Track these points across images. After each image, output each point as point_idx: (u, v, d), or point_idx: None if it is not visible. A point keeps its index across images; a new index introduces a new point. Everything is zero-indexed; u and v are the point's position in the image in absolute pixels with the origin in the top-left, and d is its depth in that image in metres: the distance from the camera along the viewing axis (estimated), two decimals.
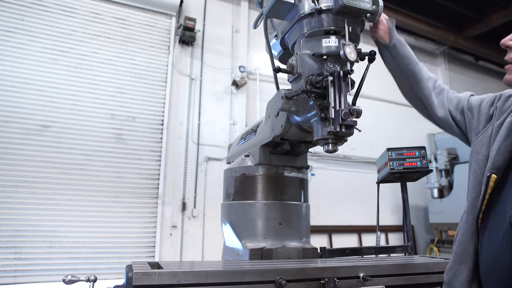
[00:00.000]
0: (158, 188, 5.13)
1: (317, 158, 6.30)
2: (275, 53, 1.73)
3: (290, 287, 1.20)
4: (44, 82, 4.74)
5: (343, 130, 1.25)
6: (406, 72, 1.50)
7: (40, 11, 4.86)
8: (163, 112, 5.35)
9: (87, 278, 1.14)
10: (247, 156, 1.82)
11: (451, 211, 6.47)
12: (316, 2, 1.36)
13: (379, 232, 2.57)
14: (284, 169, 1.74)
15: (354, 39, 1.44)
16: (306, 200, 1.79)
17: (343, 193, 6.46)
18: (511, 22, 7.04)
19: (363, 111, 1.33)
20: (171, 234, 5.13)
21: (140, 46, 5.36)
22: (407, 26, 7.14)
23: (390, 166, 2.40)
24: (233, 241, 1.72)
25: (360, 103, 1.40)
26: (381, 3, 1.41)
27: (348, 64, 1.34)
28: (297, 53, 1.42)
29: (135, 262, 1.25)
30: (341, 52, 1.32)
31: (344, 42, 1.35)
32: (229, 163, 2.23)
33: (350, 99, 1.37)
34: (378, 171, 2.60)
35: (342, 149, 5.88)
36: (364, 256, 2.04)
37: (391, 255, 2.24)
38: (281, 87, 1.62)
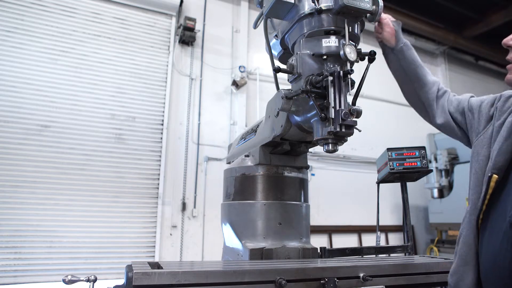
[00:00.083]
0: (158, 188, 5.13)
1: (317, 158, 6.30)
2: (275, 53, 1.73)
3: (290, 287, 1.20)
4: (44, 82, 4.74)
5: (343, 130, 1.25)
6: (411, 75, 1.50)
7: (40, 11, 4.86)
8: (163, 112, 5.35)
9: (87, 278, 1.14)
10: (247, 156, 1.82)
11: (451, 211, 6.47)
12: (316, 2, 1.37)
13: (379, 232, 2.57)
14: (284, 169, 1.74)
15: (354, 39, 1.45)
16: (306, 200, 1.79)
17: (343, 193, 6.46)
18: (511, 22, 7.04)
19: (363, 111, 1.33)
20: (171, 234, 5.13)
21: (140, 46, 5.36)
22: (407, 26, 7.14)
23: (390, 166, 2.40)
24: (233, 241, 1.72)
25: (360, 103, 1.40)
26: (381, 3, 1.41)
27: (348, 64, 1.34)
28: (297, 53, 1.42)
29: (135, 262, 1.25)
30: (341, 52, 1.32)
31: (344, 42, 1.35)
32: (229, 163, 2.23)
33: (350, 99, 1.37)
34: (378, 171, 2.60)
35: (342, 149, 5.88)
36: (364, 256, 2.04)
37: (391, 255, 2.24)
38: (281, 87, 1.62)
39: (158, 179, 5.16)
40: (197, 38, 5.71)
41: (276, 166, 1.74)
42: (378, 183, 2.63)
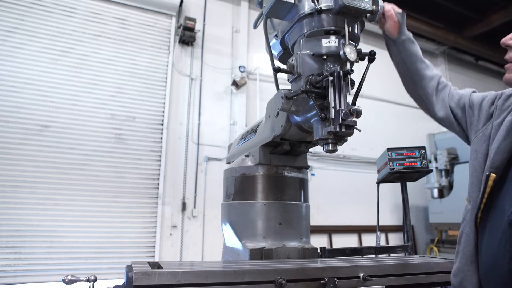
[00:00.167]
0: (158, 188, 5.13)
1: (317, 158, 6.30)
2: (275, 53, 1.73)
3: (290, 287, 1.20)
4: (44, 82, 4.74)
5: (343, 130, 1.25)
6: (411, 68, 1.49)
7: (40, 11, 4.86)
8: (163, 112, 5.35)
9: (87, 278, 1.14)
10: (247, 156, 1.82)
11: (451, 211, 6.47)
12: (316, 2, 1.37)
13: (379, 232, 2.57)
14: (284, 169, 1.74)
15: (354, 39, 1.45)
16: (306, 200, 1.79)
17: (343, 193, 6.46)
18: (511, 22, 7.04)
19: (363, 111, 1.33)
20: (171, 234, 5.13)
21: (140, 46, 5.36)
22: (407, 26, 7.12)
23: (390, 166, 2.40)
24: (233, 241, 1.72)
25: (360, 103, 1.40)
26: (381, 3, 1.41)
27: (348, 64, 1.34)
28: (297, 53, 1.42)
29: (135, 262, 1.25)
30: (341, 52, 1.32)
31: (344, 42, 1.35)
32: (229, 163, 2.23)
33: (350, 99, 1.37)
34: (378, 171, 2.60)
35: (342, 149, 5.88)
36: (364, 256, 2.04)
37: (391, 255, 2.24)
38: (281, 87, 1.62)
39: (158, 179, 5.16)
40: (197, 38, 5.71)
41: (276, 166, 1.74)
42: (378, 183, 2.63)
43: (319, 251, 1.79)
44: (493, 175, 1.14)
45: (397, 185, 2.65)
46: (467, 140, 1.39)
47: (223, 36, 6.07)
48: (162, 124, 5.31)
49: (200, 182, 5.42)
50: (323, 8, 1.36)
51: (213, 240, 5.27)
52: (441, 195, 6.91)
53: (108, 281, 1.32)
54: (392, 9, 1.51)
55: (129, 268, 1.14)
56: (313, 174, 6.17)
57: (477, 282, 1.16)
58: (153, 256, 4.93)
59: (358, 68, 1.43)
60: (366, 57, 1.38)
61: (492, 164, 1.15)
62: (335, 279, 1.26)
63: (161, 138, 5.27)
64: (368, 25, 1.53)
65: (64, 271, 4.14)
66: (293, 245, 1.64)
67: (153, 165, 5.18)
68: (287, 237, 1.66)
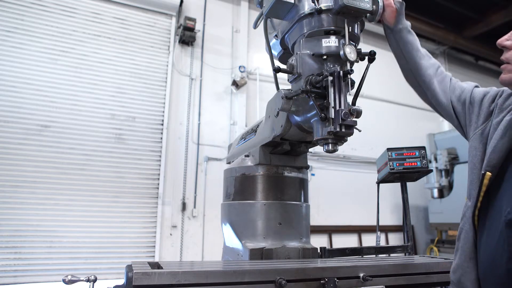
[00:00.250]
0: (158, 188, 5.13)
1: (317, 158, 6.30)
2: (275, 53, 1.73)
3: (290, 287, 1.20)
4: (44, 82, 4.74)
5: (343, 130, 1.25)
6: (407, 57, 1.49)
7: (40, 11, 4.86)
8: (163, 112, 5.35)
9: (87, 278, 1.14)
10: (247, 156, 1.82)
11: (451, 211, 6.46)
12: (316, 2, 1.37)
13: (379, 232, 2.57)
14: (284, 169, 1.74)
15: (354, 39, 1.45)
16: (306, 200, 1.79)
17: (343, 193, 6.46)
18: (511, 22, 7.04)
19: (363, 111, 1.33)
20: (171, 234, 5.13)
21: (140, 46, 5.36)
22: None
23: (390, 166, 2.40)
24: (233, 241, 1.72)
25: (360, 103, 1.40)
26: (381, 3, 1.41)
27: (348, 64, 1.34)
28: (297, 53, 1.42)
29: (135, 262, 1.25)
30: (341, 52, 1.32)
31: (344, 42, 1.35)
32: (229, 163, 2.23)
33: (350, 99, 1.37)
34: (378, 171, 2.60)
35: (342, 149, 5.88)
36: (364, 256, 2.04)
37: (391, 255, 2.24)
38: (281, 87, 1.62)
39: (158, 179, 5.16)
40: (197, 38, 5.71)
41: (276, 166, 1.74)
42: (378, 183, 2.63)
43: (319, 251, 1.79)
44: (488, 173, 1.14)
45: (397, 185, 2.65)
46: (464, 134, 1.38)
47: (223, 36, 6.07)
48: (162, 124, 5.31)
49: (200, 182, 5.42)
50: (323, 8, 1.36)
51: (213, 240, 5.27)
52: (441, 195, 6.91)
53: (108, 281, 1.32)
54: None
55: (129, 268, 1.14)
56: (313, 174, 6.17)
57: (475, 279, 1.16)
58: (153, 256, 4.93)
59: (358, 68, 1.43)
60: (366, 57, 1.38)
61: (488, 163, 1.15)
62: (335, 279, 1.26)
63: (161, 138, 5.27)
64: (368, 25, 1.53)
65: (64, 271, 4.14)
66: (293, 245, 1.64)
67: (153, 165, 5.18)
68: (287, 237, 1.66)
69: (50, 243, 4.43)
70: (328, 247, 1.89)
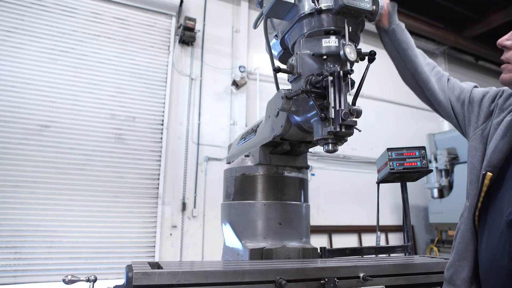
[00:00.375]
0: (158, 188, 5.13)
1: (317, 158, 6.30)
2: (275, 53, 1.73)
3: (290, 287, 1.20)
4: (44, 82, 4.74)
5: (343, 130, 1.25)
6: (404, 57, 1.48)
7: (40, 11, 4.86)
8: (163, 112, 5.35)
9: (87, 278, 1.14)
10: (247, 156, 1.82)
11: (451, 211, 6.46)
12: (316, 2, 1.36)
13: (379, 232, 2.57)
14: (284, 169, 1.74)
15: (354, 39, 1.44)
16: (306, 200, 1.79)
17: (343, 193, 6.46)
18: (511, 22, 7.04)
19: (363, 111, 1.33)
20: (171, 234, 5.13)
21: (140, 46, 5.36)
22: (407, 26, 6.98)
23: (390, 166, 2.39)
24: (233, 241, 1.72)
25: (360, 103, 1.40)
26: (381, 3, 1.41)
27: (348, 64, 1.34)
28: (297, 53, 1.42)
29: (135, 262, 1.25)
30: (341, 52, 1.32)
31: (344, 42, 1.35)
32: (229, 163, 2.23)
33: (350, 99, 1.37)
34: (378, 171, 2.60)
35: (342, 149, 5.88)
36: (364, 256, 2.04)
37: (391, 255, 2.24)
38: (281, 87, 1.62)
39: (158, 179, 5.16)
40: (197, 38, 5.71)
41: (276, 166, 1.74)
42: (378, 183, 2.63)
43: (319, 251, 1.79)
44: (489, 174, 1.14)
45: (397, 185, 2.65)
46: (463, 134, 1.38)
47: (223, 36, 6.07)
48: (162, 124, 5.31)
49: (200, 182, 5.42)
50: (323, 8, 1.36)
51: (213, 240, 5.27)
52: (441, 195, 6.91)
53: (108, 281, 1.32)
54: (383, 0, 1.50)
55: (129, 268, 1.14)
56: (313, 174, 6.17)
57: (466, 278, 1.17)
58: (153, 256, 4.93)
59: (358, 68, 1.43)
60: (366, 57, 1.38)
61: (489, 163, 1.15)
62: (335, 279, 1.26)
63: (161, 138, 5.27)
64: (368, 25, 1.53)
65: (64, 271, 4.14)
66: (293, 245, 1.64)
67: (153, 165, 5.18)
68: (287, 237, 1.66)
69: (50, 243, 4.43)
70: (328, 247, 1.89)
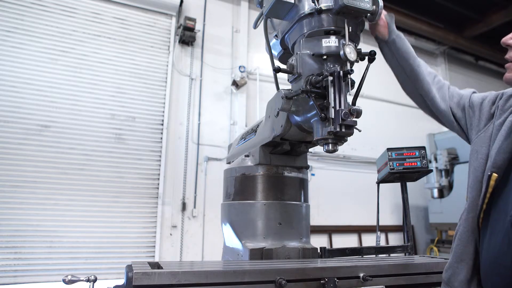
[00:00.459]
0: (158, 188, 5.13)
1: (317, 158, 6.30)
2: (275, 53, 1.73)
3: (290, 287, 1.20)
4: (44, 82, 4.74)
5: (343, 130, 1.25)
6: (405, 67, 1.49)
7: (40, 11, 4.86)
8: (163, 112, 5.35)
9: (87, 278, 1.14)
10: (247, 156, 1.82)
11: (451, 211, 6.46)
12: (316, 2, 1.36)
13: (379, 232, 2.57)
14: (284, 169, 1.74)
15: (354, 39, 1.44)
16: (306, 200, 1.79)
17: (343, 193, 6.46)
18: (511, 22, 7.04)
19: (363, 111, 1.33)
20: (171, 234, 5.13)
21: (140, 46, 5.36)
22: (407, 26, 7.14)
23: (390, 166, 2.39)
24: (233, 241, 1.72)
25: (360, 103, 1.40)
26: (381, 3, 1.41)
27: (348, 64, 1.34)
28: (297, 53, 1.42)
29: (135, 262, 1.25)
30: (341, 52, 1.32)
31: (344, 42, 1.35)
32: (229, 163, 2.23)
33: (350, 99, 1.37)
34: (378, 171, 2.60)
35: (342, 149, 5.88)
36: (364, 256, 2.04)
37: (391, 255, 2.24)
38: (281, 87, 1.62)
39: (158, 179, 5.16)
40: (197, 38, 5.71)
41: (276, 166, 1.73)
42: (378, 183, 2.63)
43: (319, 251, 1.79)
44: (495, 175, 1.14)
45: (397, 185, 2.65)
46: (466, 139, 1.39)
47: (223, 36, 6.07)
48: (162, 124, 5.31)
49: (200, 182, 5.42)
50: (323, 8, 1.36)
51: (213, 240, 5.27)
52: (441, 195, 6.91)
53: (108, 281, 1.32)
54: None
55: (129, 268, 1.14)
56: (313, 174, 6.17)
57: (463, 280, 1.18)
58: (153, 256, 4.93)
59: (358, 68, 1.43)
60: (366, 57, 1.38)
61: (494, 164, 1.15)
62: (335, 279, 1.26)
63: (161, 138, 5.27)
64: (368, 25, 1.53)
65: (64, 271, 4.14)
66: (293, 245, 1.64)
67: (153, 165, 5.18)
68: (287, 237, 1.66)
69: (50, 243, 4.43)
70: (328, 247, 1.89)
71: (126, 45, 5.28)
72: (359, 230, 6.47)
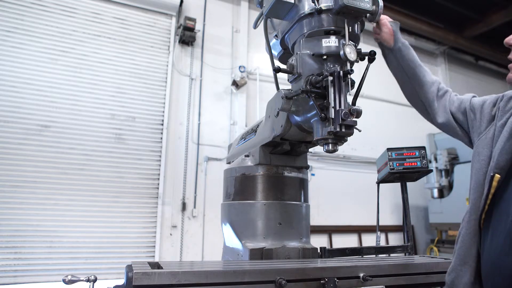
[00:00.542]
0: (158, 188, 5.13)
1: (317, 158, 6.30)
2: (275, 53, 1.73)
3: (290, 287, 1.20)
4: (44, 82, 4.74)
5: (343, 130, 1.25)
6: (410, 75, 1.49)
7: (40, 11, 4.86)
8: (163, 112, 5.35)
9: (87, 278, 1.14)
10: (247, 156, 1.82)
11: (451, 211, 6.47)
12: (316, 2, 1.36)
13: (379, 232, 2.57)
14: (284, 169, 1.74)
15: (354, 39, 1.44)
16: (306, 200, 1.79)
17: (343, 193, 6.46)
18: (511, 22, 7.04)
19: (363, 111, 1.33)
20: (171, 234, 5.13)
21: (140, 46, 5.36)
22: (407, 26, 7.14)
23: (390, 166, 2.39)
24: (233, 241, 1.72)
25: (360, 103, 1.40)
26: (381, 3, 1.41)
27: (348, 64, 1.34)
28: (297, 53, 1.42)
29: (135, 262, 1.25)
30: (341, 52, 1.32)
31: (344, 42, 1.35)
32: (229, 163, 2.23)
33: (350, 99, 1.37)
34: (378, 171, 2.60)
35: (342, 149, 5.88)
36: (364, 256, 2.04)
37: (391, 255, 2.24)
38: (281, 87, 1.62)
39: (158, 179, 5.16)
40: (197, 38, 5.71)
41: (276, 166, 1.73)
42: (378, 183, 2.63)
43: (319, 251, 1.79)
44: (497, 176, 1.14)
45: (397, 185, 2.65)
46: (469, 143, 1.39)
47: (223, 36, 6.07)
48: (162, 124, 5.31)
49: (200, 182, 5.43)
50: (323, 8, 1.36)
51: (213, 240, 5.27)
52: (441, 195, 6.91)
53: (108, 281, 1.32)
54: (385, 18, 1.53)
55: (129, 268, 1.14)
56: (313, 174, 6.17)
57: (467, 283, 1.17)
58: (153, 256, 4.93)
59: (358, 68, 1.43)
60: (366, 57, 1.38)
61: (496, 165, 1.15)
62: (335, 279, 1.26)
63: (161, 138, 5.27)
64: (368, 25, 1.53)
65: (64, 271, 4.14)
66: (293, 245, 1.64)
67: (153, 165, 5.18)
68: (287, 237, 1.66)
69: (50, 243, 4.43)
70: (328, 247, 1.89)
71: (126, 45, 5.28)
72: (359, 230, 6.47)
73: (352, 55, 1.32)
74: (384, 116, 7.13)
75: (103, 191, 4.80)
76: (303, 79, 1.36)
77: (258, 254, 1.56)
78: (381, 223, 2.72)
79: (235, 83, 5.75)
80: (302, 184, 1.79)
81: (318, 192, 6.18)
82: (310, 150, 1.85)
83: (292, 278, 1.22)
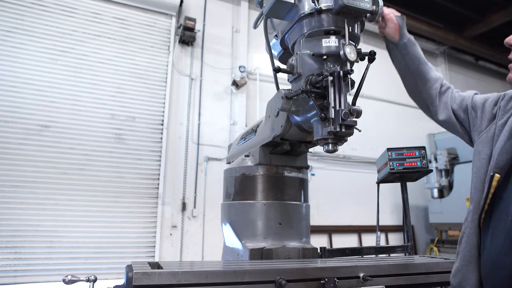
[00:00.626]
0: (158, 188, 5.13)
1: (317, 158, 6.30)
2: (275, 53, 1.73)
3: (290, 287, 1.20)
4: (44, 82, 4.74)
5: (343, 130, 1.25)
6: (414, 71, 1.49)
7: (40, 11, 4.86)
8: (163, 112, 5.35)
9: (87, 278, 1.14)
10: (247, 156, 1.82)
11: (451, 211, 6.46)
12: (316, 2, 1.36)
13: (379, 232, 2.57)
14: (284, 169, 1.74)
15: (354, 39, 1.44)
16: (306, 200, 1.79)
17: (343, 193, 6.46)
18: (511, 22, 7.04)
19: (363, 111, 1.33)
20: (171, 234, 5.13)
21: (140, 46, 5.36)
22: (407, 26, 7.10)
23: (390, 166, 2.39)
24: (233, 241, 1.72)
25: (360, 103, 1.40)
26: (381, 3, 1.41)
27: (348, 64, 1.34)
28: (297, 53, 1.42)
29: (135, 262, 1.25)
30: (341, 52, 1.32)
31: (344, 42, 1.35)
32: (229, 163, 2.23)
33: (350, 99, 1.37)
34: (378, 171, 2.60)
35: (342, 149, 5.88)
36: (364, 256, 2.04)
37: (391, 255, 2.24)
38: (281, 87, 1.62)
39: (158, 179, 5.16)
40: (197, 38, 5.71)
41: (276, 166, 1.73)
42: (378, 183, 2.63)
43: (319, 251, 1.79)
44: (497, 175, 1.13)
45: (397, 185, 2.65)
46: (470, 141, 1.38)
47: (223, 36, 6.07)
48: (162, 124, 5.31)
49: (200, 182, 5.42)
50: (323, 8, 1.36)
51: (213, 240, 5.27)
52: (441, 195, 6.91)
53: (108, 281, 1.32)
54: (391, 13, 1.51)
55: (129, 268, 1.14)
56: (313, 174, 6.17)
57: (475, 283, 1.16)
58: (153, 256, 4.93)
59: (358, 68, 1.43)
60: (366, 57, 1.38)
61: (496, 165, 1.15)
62: (335, 279, 1.26)
63: (161, 138, 5.27)
64: (368, 25, 1.53)
65: (64, 271, 4.14)
66: (293, 245, 1.64)
67: (153, 165, 5.18)
68: (287, 237, 1.66)
69: (50, 243, 4.43)
70: (328, 247, 1.89)
71: (126, 45, 5.28)
72: (359, 230, 6.47)
73: (352, 55, 1.32)
74: (384, 116, 7.13)
75: (103, 191, 4.80)
76: (303, 79, 1.37)
77: (258, 254, 1.56)
78: (381, 223, 2.72)
79: (235, 83, 5.75)
80: (302, 184, 1.79)
81: (318, 192, 6.18)
82: (310, 150, 1.85)
83: (292, 278, 1.22)
